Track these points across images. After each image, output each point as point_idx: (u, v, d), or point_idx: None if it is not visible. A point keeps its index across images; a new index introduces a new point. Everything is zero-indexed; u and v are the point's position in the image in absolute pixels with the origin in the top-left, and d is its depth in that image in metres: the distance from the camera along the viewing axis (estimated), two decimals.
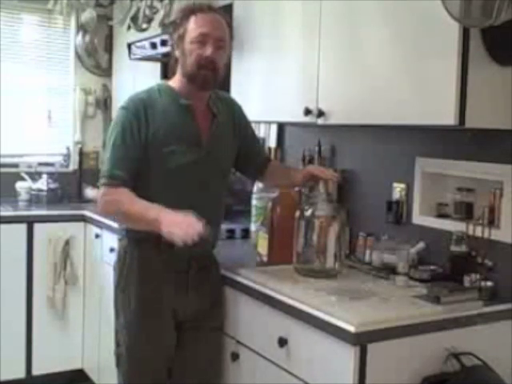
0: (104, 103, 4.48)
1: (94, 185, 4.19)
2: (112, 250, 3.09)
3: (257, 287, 2.12)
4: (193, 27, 2.07)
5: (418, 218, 2.38)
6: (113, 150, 2.07)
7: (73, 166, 4.36)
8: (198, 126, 2.15)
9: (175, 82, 2.18)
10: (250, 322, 2.17)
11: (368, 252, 2.45)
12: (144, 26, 3.52)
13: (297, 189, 2.54)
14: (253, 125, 2.45)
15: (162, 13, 3.32)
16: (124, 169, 2.04)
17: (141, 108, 2.08)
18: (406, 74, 1.97)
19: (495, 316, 1.96)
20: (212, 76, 2.10)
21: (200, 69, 2.07)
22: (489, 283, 2.04)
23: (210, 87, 2.15)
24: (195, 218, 1.88)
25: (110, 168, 2.05)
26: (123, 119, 2.09)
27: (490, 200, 2.11)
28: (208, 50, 2.06)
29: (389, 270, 2.25)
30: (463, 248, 2.13)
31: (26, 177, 4.05)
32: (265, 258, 2.37)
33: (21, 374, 3.65)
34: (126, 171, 2.04)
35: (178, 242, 1.85)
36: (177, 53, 2.14)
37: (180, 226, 1.87)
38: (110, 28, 4.35)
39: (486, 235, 2.09)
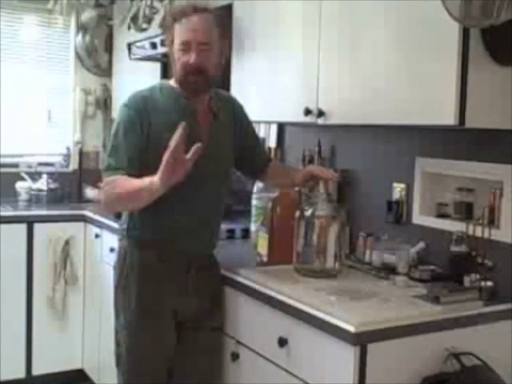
0: (104, 103, 4.48)
1: (94, 185, 4.22)
2: (112, 250, 3.09)
3: (257, 287, 2.12)
4: (176, 35, 2.08)
5: (418, 218, 2.38)
6: (114, 145, 2.07)
7: (73, 165, 4.36)
8: (199, 125, 2.15)
9: (174, 82, 2.18)
10: (250, 322, 2.17)
11: (368, 252, 2.45)
12: (144, 25, 3.52)
13: (297, 189, 2.53)
14: (253, 125, 2.45)
15: (161, 13, 3.32)
16: (123, 160, 2.04)
17: (142, 106, 2.08)
18: (406, 73, 1.97)
19: (495, 316, 1.96)
20: (202, 80, 2.09)
21: (187, 75, 2.08)
22: (489, 283, 2.03)
23: (202, 91, 2.15)
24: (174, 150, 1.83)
25: (113, 163, 2.05)
26: (125, 116, 2.08)
27: (490, 200, 2.11)
28: (192, 57, 2.06)
29: (389, 270, 2.25)
30: (463, 248, 2.13)
31: (25, 177, 4.05)
32: (265, 258, 2.37)
33: (21, 374, 3.65)
34: (124, 163, 2.03)
35: (182, 175, 1.85)
36: (169, 52, 2.15)
37: (170, 166, 1.83)
38: (110, 28, 4.35)
39: (486, 235, 2.08)
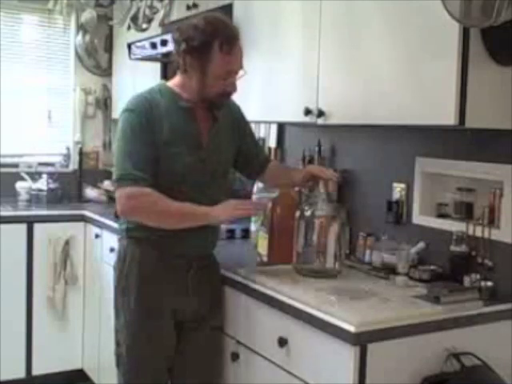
0: (104, 103, 4.49)
1: (94, 185, 4.24)
2: (112, 249, 3.10)
3: (257, 287, 2.12)
4: (218, 64, 2.01)
5: (418, 218, 2.38)
6: (127, 151, 2.03)
7: (73, 166, 4.37)
8: (199, 127, 2.14)
9: (177, 83, 2.15)
10: (250, 322, 2.17)
11: (368, 252, 2.45)
12: (144, 26, 3.52)
13: (297, 189, 2.54)
14: (253, 125, 2.46)
15: (161, 13, 3.33)
16: (143, 169, 2.01)
17: (147, 108, 2.06)
18: (405, 73, 1.97)
19: (495, 316, 1.96)
20: (227, 101, 2.15)
21: (221, 96, 2.09)
22: (489, 283, 2.03)
23: (221, 107, 2.17)
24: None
25: (130, 170, 2.00)
26: (131, 121, 2.05)
27: (490, 200, 2.11)
28: (233, 86, 2.08)
29: (389, 270, 2.25)
30: (463, 248, 2.13)
31: (26, 177, 4.05)
32: (265, 258, 2.37)
33: (21, 373, 3.65)
34: (145, 171, 2.01)
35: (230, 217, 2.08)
36: (191, 72, 2.06)
37: (229, 209, 2.05)
38: (110, 28, 4.35)
39: (486, 235, 2.09)
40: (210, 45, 2.00)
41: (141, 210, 2.05)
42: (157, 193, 2.02)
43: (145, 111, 2.06)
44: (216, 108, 2.14)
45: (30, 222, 3.66)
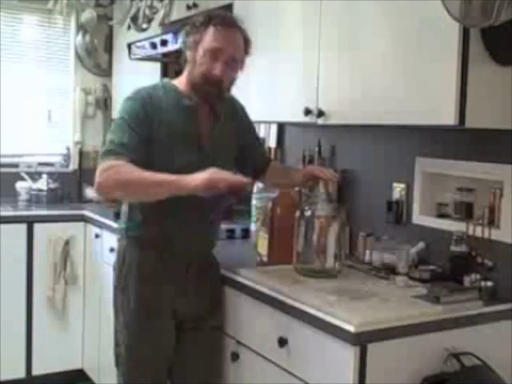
0: (104, 103, 4.49)
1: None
2: (112, 249, 3.10)
3: (257, 287, 2.12)
4: (209, 39, 2.03)
5: (418, 218, 2.38)
6: (117, 132, 2.01)
7: (73, 166, 4.37)
8: (200, 126, 2.14)
9: (181, 81, 2.15)
10: (250, 322, 2.17)
11: (368, 252, 2.45)
12: (144, 26, 3.52)
13: (297, 189, 2.54)
14: (254, 125, 2.45)
15: (161, 13, 3.33)
16: (128, 148, 1.97)
17: (148, 101, 2.05)
18: (406, 73, 1.97)
19: (495, 316, 1.96)
20: (216, 93, 2.09)
21: (205, 83, 2.05)
22: (489, 283, 2.03)
23: (212, 102, 2.14)
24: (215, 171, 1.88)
25: (113, 146, 1.97)
26: (130, 108, 2.04)
27: (490, 200, 2.11)
28: (217, 69, 2.03)
29: (389, 270, 2.25)
30: (463, 248, 2.13)
31: (25, 177, 4.05)
32: (265, 258, 2.37)
33: (21, 374, 3.65)
34: (130, 150, 1.97)
35: (203, 190, 1.86)
36: (188, 54, 2.10)
37: (204, 177, 1.86)
38: (110, 28, 4.35)
39: (486, 235, 2.09)
40: (208, 24, 2.06)
41: (111, 181, 1.94)
42: (131, 164, 1.93)
43: (143, 101, 2.05)
44: (209, 96, 2.09)
45: (30, 222, 3.66)
